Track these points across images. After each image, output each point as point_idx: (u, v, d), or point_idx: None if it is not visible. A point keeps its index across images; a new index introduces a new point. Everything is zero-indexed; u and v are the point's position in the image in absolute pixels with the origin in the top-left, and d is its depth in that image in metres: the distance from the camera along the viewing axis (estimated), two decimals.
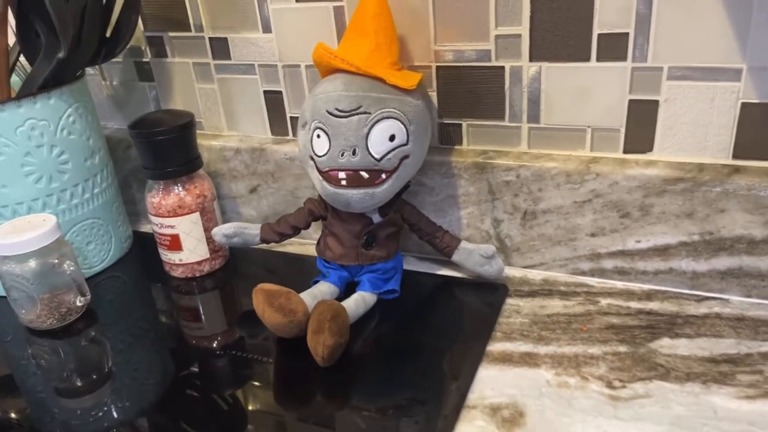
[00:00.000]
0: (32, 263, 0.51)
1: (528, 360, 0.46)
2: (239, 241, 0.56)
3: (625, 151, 0.51)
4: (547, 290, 0.53)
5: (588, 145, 0.52)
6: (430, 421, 0.41)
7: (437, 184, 0.56)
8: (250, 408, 0.44)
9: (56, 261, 0.52)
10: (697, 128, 0.48)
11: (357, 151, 0.47)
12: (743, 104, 0.46)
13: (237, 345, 0.51)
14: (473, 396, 0.43)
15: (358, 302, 0.50)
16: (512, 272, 0.56)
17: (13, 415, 0.46)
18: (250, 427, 0.42)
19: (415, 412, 0.41)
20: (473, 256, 0.54)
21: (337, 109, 0.47)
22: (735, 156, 0.48)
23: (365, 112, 0.46)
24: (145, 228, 0.71)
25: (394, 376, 0.45)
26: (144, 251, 0.67)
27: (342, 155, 0.47)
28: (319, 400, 0.45)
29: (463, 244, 0.54)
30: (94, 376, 0.49)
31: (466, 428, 0.40)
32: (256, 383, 0.46)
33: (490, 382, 0.44)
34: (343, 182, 0.47)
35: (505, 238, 0.56)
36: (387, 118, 0.46)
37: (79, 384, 0.49)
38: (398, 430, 0.40)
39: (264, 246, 0.58)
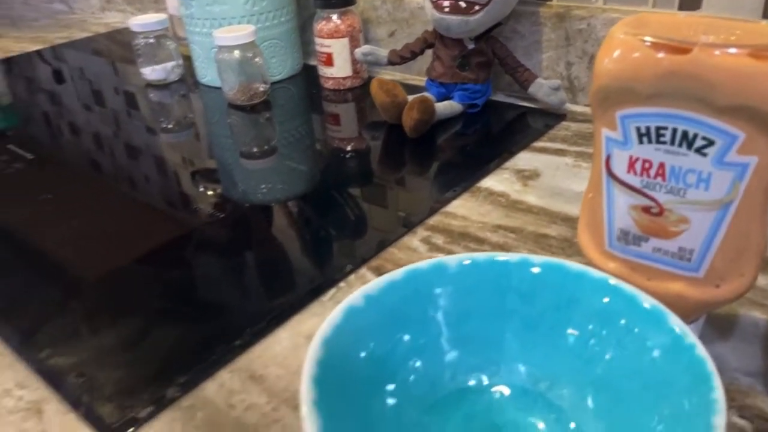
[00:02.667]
0: (236, 53, 0.76)
1: (558, 152, 0.61)
2: (372, 59, 0.76)
3: (679, 8, 0.62)
4: None
5: (651, 3, 0.63)
6: (467, 177, 0.59)
7: (527, 31, 0.71)
8: (368, 180, 0.65)
9: (251, 55, 0.76)
10: None
11: None
12: None
13: (362, 143, 0.72)
14: (508, 164, 0.60)
15: (446, 105, 0.69)
16: (576, 108, 0.70)
17: (208, 176, 0.72)
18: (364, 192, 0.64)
19: (462, 175, 0.60)
20: (543, 88, 0.68)
21: None
22: (764, 15, 0.57)
23: None
24: (311, 62, 0.94)
25: (459, 152, 0.64)
26: (309, 75, 0.90)
27: None
28: (409, 166, 0.64)
29: (538, 80, 0.69)
30: (266, 147, 0.73)
31: (495, 177, 0.58)
32: (368, 164, 0.67)
33: (524, 160, 0.60)
34: (446, 9, 0.65)
35: (574, 80, 0.70)
36: None
37: (255, 150, 0.73)
38: (446, 180, 0.59)
39: (394, 76, 0.77)
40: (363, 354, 0.31)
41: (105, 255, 0.52)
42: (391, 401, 0.32)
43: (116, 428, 0.35)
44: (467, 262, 0.35)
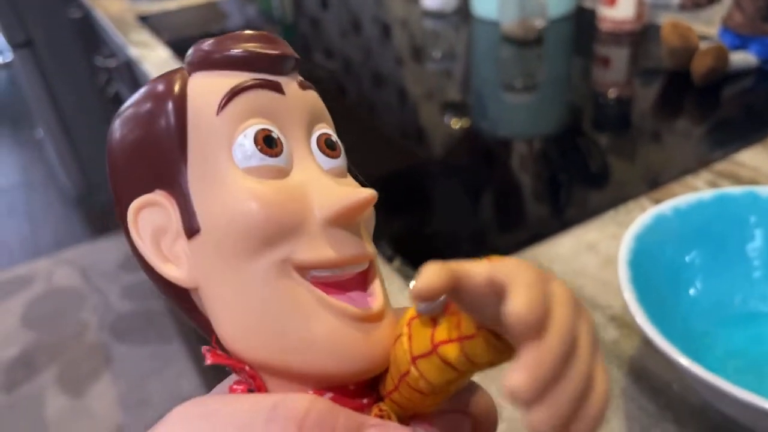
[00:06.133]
0: None
1: None
2: (661, 4, 0.74)
3: None
4: None
5: None
6: (758, 130, 0.56)
7: None
8: (629, 129, 0.66)
9: None
10: None
11: None
12: None
13: (628, 90, 0.72)
14: None
15: (741, 57, 0.65)
16: None
17: (460, 104, 0.76)
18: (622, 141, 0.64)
19: (751, 128, 0.57)
20: None
21: None
22: None
23: None
24: (586, 4, 0.93)
25: (748, 107, 0.61)
26: (583, 16, 0.90)
27: None
28: (690, 112, 0.63)
29: None
30: (526, 83, 0.76)
31: None
32: (641, 108, 0.67)
33: None
34: None
35: None
36: None
37: (518, 85, 0.76)
38: (732, 130, 0.57)
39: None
40: (667, 257, 0.34)
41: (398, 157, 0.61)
42: (687, 307, 0.34)
43: None
44: None
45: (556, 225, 0.46)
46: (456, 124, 0.69)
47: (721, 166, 0.51)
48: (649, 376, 0.34)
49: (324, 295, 0.18)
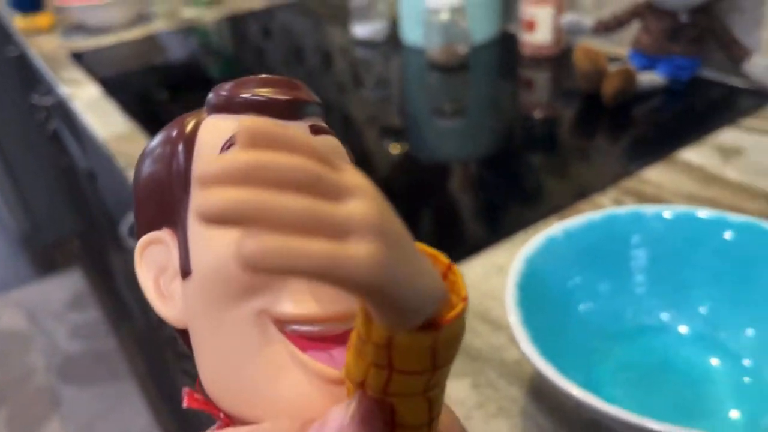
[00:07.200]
0: (444, 16, 0.81)
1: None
2: (576, 28, 0.77)
3: None
4: None
5: None
6: (663, 148, 0.59)
7: (748, 6, 0.68)
8: (555, 147, 0.68)
9: (457, 18, 0.82)
10: None
11: None
12: None
13: (549, 112, 0.75)
14: (709, 139, 0.59)
15: (648, 77, 0.69)
16: None
17: (396, 129, 0.78)
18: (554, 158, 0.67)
19: (657, 146, 0.60)
20: (760, 66, 0.65)
21: None
22: None
23: None
24: (510, 30, 0.97)
25: (656, 125, 0.64)
26: (507, 41, 0.93)
27: None
28: (602, 133, 0.66)
29: (755, 57, 0.66)
30: (453, 108, 0.79)
31: (695, 151, 0.58)
32: (559, 129, 0.70)
33: (728, 137, 0.59)
34: None
35: None
36: None
37: (445, 109, 0.79)
38: (640, 148, 0.60)
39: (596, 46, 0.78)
40: (557, 278, 0.36)
41: None
42: (578, 325, 0.36)
43: None
44: (665, 213, 0.37)
45: (483, 242, 0.47)
46: (395, 149, 0.71)
47: (628, 183, 0.54)
48: (548, 395, 0.35)
49: (298, 352, 0.17)
